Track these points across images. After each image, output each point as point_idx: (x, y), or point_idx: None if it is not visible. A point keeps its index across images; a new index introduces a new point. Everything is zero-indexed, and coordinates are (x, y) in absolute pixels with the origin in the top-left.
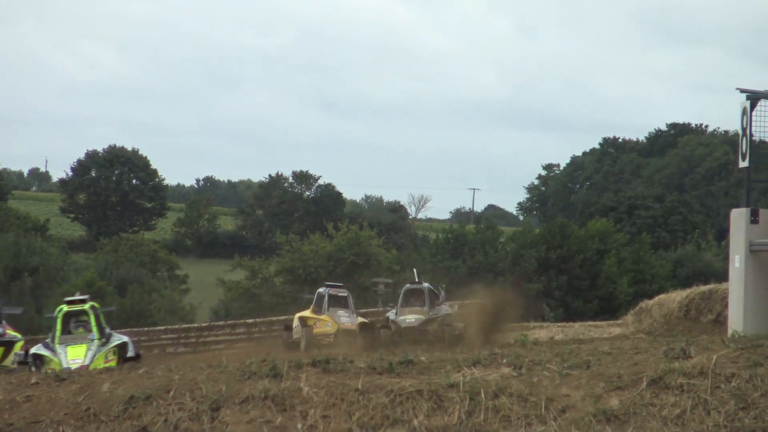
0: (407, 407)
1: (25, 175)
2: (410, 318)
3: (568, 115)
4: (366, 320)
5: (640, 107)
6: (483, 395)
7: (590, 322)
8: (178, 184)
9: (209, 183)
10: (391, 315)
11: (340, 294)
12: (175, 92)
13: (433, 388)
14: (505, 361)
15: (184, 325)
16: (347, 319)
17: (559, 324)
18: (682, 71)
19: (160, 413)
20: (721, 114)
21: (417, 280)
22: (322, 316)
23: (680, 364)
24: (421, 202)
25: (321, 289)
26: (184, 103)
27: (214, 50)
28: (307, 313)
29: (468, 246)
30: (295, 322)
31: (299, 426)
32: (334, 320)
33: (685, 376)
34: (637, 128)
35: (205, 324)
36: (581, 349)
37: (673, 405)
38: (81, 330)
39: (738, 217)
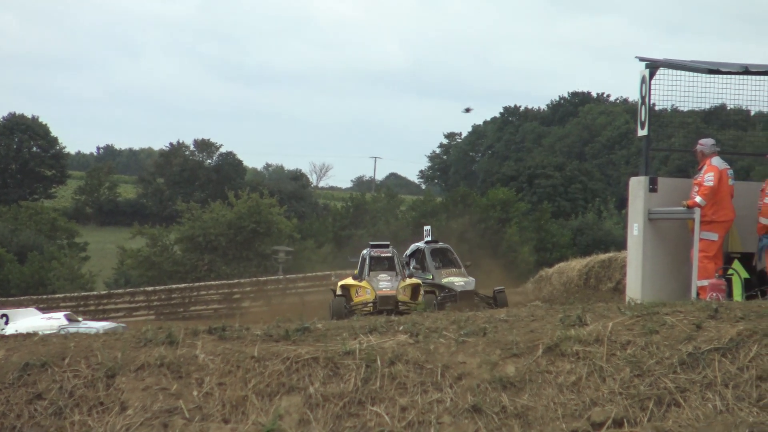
0: (303, 374)
1: None
2: (458, 281)
3: (471, 84)
4: (418, 281)
5: (542, 76)
6: (379, 362)
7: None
8: (79, 152)
9: (110, 151)
10: (416, 275)
11: (383, 255)
12: (77, 60)
13: (329, 355)
14: (401, 328)
15: (83, 293)
16: (387, 283)
17: None
18: (585, 40)
19: (56, 380)
20: (622, 83)
21: (431, 238)
22: (362, 282)
23: (576, 332)
24: (323, 171)
25: (364, 251)
26: (86, 71)
27: (116, 18)
28: (349, 279)
29: (369, 214)
30: (338, 291)
31: (195, 393)
32: (372, 286)
33: (581, 343)
34: (539, 97)
35: (104, 292)
36: (478, 317)
37: (569, 372)
38: None
39: (636, 185)
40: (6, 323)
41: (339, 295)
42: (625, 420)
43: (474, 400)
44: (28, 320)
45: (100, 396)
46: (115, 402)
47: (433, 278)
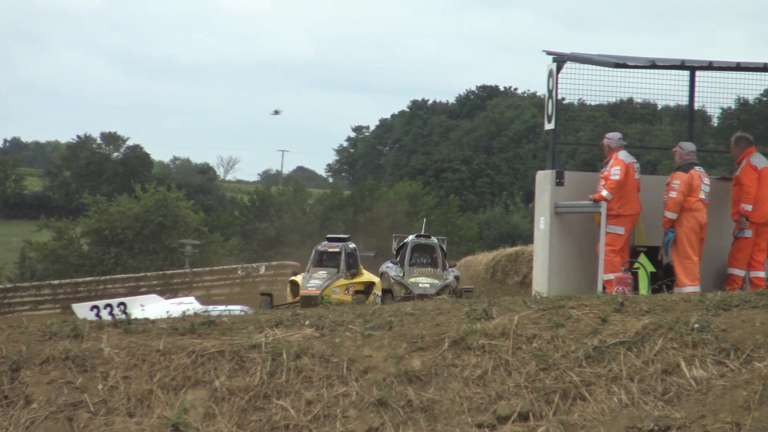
0: (209, 368)
1: None
2: (423, 282)
3: (378, 78)
4: (373, 279)
5: (450, 70)
6: (285, 356)
7: None
8: None
9: (16, 144)
10: (390, 271)
11: (329, 250)
12: None
13: (235, 348)
14: (307, 322)
15: None
16: (316, 282)
17: None
18: (492, 33)
19: None
20: (530, 76)
21: (425, 232)
22: (299, 279)
23: (482, 325)
24: (230, 164)
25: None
26: None
27: (19, 9)
28: (299, 277)
29: (274, 207)
30: (288, 287)
31: (100, 387)
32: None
33: (487, 337)
34: (447, 91)
35: (9, 285)
36: (384, 311)
37: (475, 366)
38: None
39: (543, 179)
40: (123, 311)
41: (264, 294)
42: (530, 414)
43: (380, 394)
44: (155, 306)
45: (5, 389)
46: (20, 395)
47: (403, 275)
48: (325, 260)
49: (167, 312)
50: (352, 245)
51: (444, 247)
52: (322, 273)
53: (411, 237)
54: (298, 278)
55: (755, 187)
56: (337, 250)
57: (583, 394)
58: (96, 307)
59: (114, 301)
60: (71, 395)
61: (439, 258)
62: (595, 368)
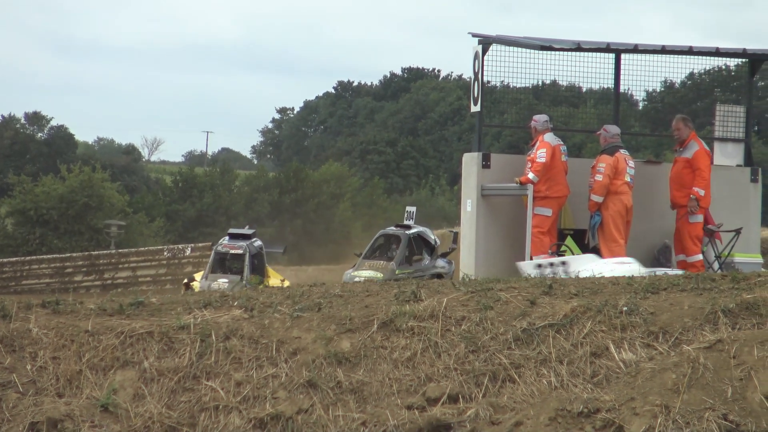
0: (138, 349)
1: None
2: (363, 275)
3: (304, 59)
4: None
5: (376, 51)
6: (214, 337)
7: (324, 266)
8: None
9: None
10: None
11: (233, 251)
12: None
13: (164, 329)
14: (236, 303)
15: None
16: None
17: (293, 268)
18: (417, 15)
19: None
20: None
21: (405, 221)
22: (194, 285)
23: (411, 307)
24: (154, 145)
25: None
26: None
27: None
28: (197, 276)
29: (197, 188)
30: (182, 290)
31: (29, 367)
32: None
33: (416, 319)
34: (372, 73)
35: None
36: (312, 292)
37: (404, 348)
38: None
39: (470, 161)
40: (565, 271)
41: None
42: (460, 396)
43: (309, 375)
44: (594, 265)
45: None
46: None
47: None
48: (227, 263)
49: (610, 271)
50: (257, 243)
51: (430, 237)
52: (223, 281)
53: (390, 228)
54: (196, 284)
55: (709, 172)
56: (240, 251)
57: (512, 377)
58: (540, 265)
59: (557, 260)
60: (0, 375)
61: (400, 250)
62: (525, 351)
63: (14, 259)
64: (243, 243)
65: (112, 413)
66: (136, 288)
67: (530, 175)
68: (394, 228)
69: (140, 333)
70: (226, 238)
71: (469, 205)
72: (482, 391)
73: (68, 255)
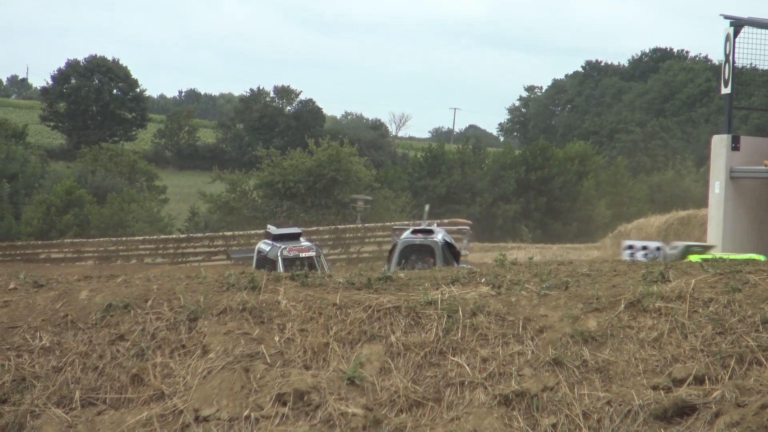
0: (385, 323)
1: (4, 82)
2: None
3: (551, 38)
4: None
5: (623, 31)
6: (461, 313)
7: (569, 244)
8: (161, 96)
9: (192, 95)
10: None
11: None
12: (155, 4)
13: (411, 304)
14: (483, 280)
15: (162, 236)
16: None
17: (538, 245)
18: None
19: (138, 322)
20: (704, 40)
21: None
22: None
23: (658, 288)
24: (402, 120)
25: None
26: (164, 15)
27: None
28: None
29: (446, 165)
30: None
31: (276, 339)
32: None
33: (663, 299)
34: (620, 52)
35: (183, 236)
36: (560, 270)
37: (651, 328)
38: None
39: (719, 143)
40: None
41: None
42: (706, 377)
43: (555, 354)
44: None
45: (182, 339)
46: (197, 345)
47: None
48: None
49: None
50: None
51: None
52: None
53: (406, 233)
54: None
55: None
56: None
57: (759, 359)
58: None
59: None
60: (248, 346)
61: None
62: None
63: (261, 231)
64: (440, 234)
65: (358, 386)
66: (381, 263)
67: None
68: (415, 236)
69: (387, 307)
70: (408, 235)
71: (717, 186)
72: (728, 373)
73: (315, 228)
